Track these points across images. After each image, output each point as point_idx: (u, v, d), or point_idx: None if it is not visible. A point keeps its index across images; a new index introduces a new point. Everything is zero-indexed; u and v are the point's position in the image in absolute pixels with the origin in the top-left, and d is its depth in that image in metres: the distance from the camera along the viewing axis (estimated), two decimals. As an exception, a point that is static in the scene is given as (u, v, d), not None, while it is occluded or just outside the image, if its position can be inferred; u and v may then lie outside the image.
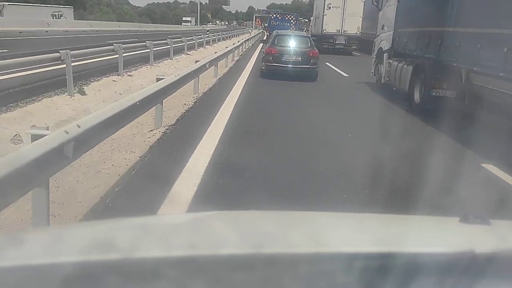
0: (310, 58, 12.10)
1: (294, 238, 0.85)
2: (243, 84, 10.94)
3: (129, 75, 11.50)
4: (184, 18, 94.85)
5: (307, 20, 50.97)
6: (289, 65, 11.99)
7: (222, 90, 9.92)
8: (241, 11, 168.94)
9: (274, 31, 14.96)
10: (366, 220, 1.10)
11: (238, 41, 23.73)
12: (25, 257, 0.74)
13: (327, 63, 17.34)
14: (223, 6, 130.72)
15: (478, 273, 0.70)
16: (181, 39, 19.06)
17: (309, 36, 15.83)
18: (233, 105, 7.99)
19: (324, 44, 25.04)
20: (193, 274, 0.69)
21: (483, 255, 0.72)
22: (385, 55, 10.81)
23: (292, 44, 12.49)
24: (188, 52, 19.40)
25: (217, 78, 12.19)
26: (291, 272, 0.70)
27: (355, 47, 26.36)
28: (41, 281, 0.68)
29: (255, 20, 73.56)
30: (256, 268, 0.70)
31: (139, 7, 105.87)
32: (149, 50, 13.63)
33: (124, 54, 11.36)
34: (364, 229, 0.97)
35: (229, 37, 35.68)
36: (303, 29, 39.83)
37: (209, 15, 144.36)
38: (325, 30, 25.73)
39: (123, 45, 11.32)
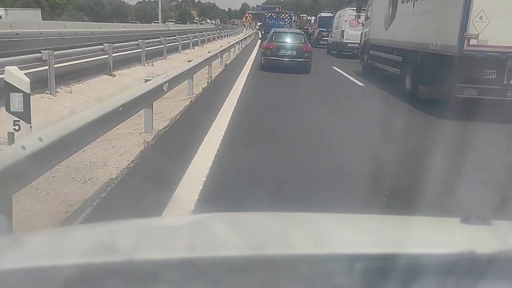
0: (303, 53, 13.41)
1: (294, 239, 0.85)
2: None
3: None
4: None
5: (310, 19, 47.27)
6: (285, 59, 13.29)
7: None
8: (234, 9, 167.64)
9: (272, 29, 15.90)
10: (367, 221, 1.11)
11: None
12: (26, 259, 0.74)
13: None
14: (215, 3, 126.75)
15: (479, 274, 0.70)
16: None
17: (303, 33, 15.94)
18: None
19: (466, 86, 6.89)
20: (194, 276, 0.69)
21: (484, 256, 0.72)
22: None
23: (288, 40, 13.83)
24: None
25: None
26: (291, 273, 0.70)
27: None
28: (42, 283, 0.68)
29: (246, 17, 71.64)
30: (256, 269, 0.70)
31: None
32: None
33: None
34: (364, 230, 0.97)
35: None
36: (308, 29, 35.20)
37: (194, 13, 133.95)
38: (485, 42, 6.64)
39: None
